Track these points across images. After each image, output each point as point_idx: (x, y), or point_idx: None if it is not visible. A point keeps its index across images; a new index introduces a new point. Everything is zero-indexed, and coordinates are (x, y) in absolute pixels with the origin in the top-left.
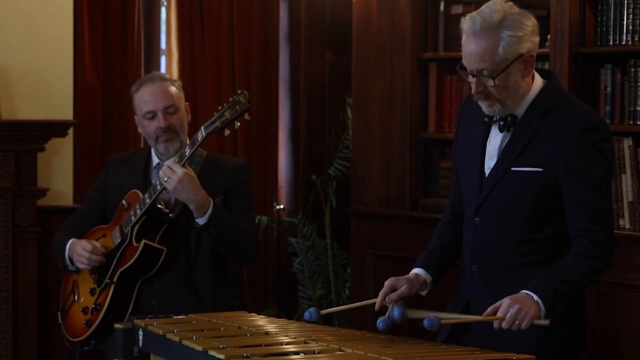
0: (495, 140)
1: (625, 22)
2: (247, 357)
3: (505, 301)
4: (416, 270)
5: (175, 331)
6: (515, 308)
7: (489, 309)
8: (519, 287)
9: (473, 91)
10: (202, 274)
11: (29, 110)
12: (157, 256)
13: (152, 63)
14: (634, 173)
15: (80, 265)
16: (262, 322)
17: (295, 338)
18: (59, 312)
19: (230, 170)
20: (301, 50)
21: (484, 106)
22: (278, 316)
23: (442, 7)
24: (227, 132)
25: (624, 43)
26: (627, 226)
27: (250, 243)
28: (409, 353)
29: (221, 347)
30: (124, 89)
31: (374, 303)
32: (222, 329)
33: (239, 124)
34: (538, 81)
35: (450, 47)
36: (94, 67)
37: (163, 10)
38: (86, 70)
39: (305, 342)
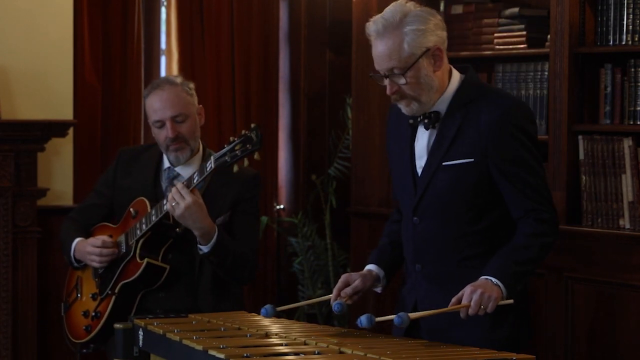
0: (422, 139)
1: (625, 22)
2: (247, 357)
3: (467, 289)
4: (368, 267)
5: (176, 331)
6: (478, 293)
7: (453, 300)
8: (465, 282)
9: (388, 92)
10: (205, 288)
11: (29, 110)
12: (160, 274)
13: (152, 63)
14: (634, 173)
15: (94, 264)
16: (262, 322)
17: (295, 338)
18: (62, 304)
19: (241, 182)
20: (301, 50)
21: (402, 107)
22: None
23: (442, 7)
24: (235, 167)
25: (624, 43)
26: (627, 226)
27: (249, 268)
28: (409, 353)
29: (221, 347)
30: (124, 89)
31: (329, 299)
32: (222, 329)
33: (247, 162)
34: (456, 76)
35: (451, 47)
36: (94, 67)
37: (163, 10)
38: (86, 70)
39: (305, 343)
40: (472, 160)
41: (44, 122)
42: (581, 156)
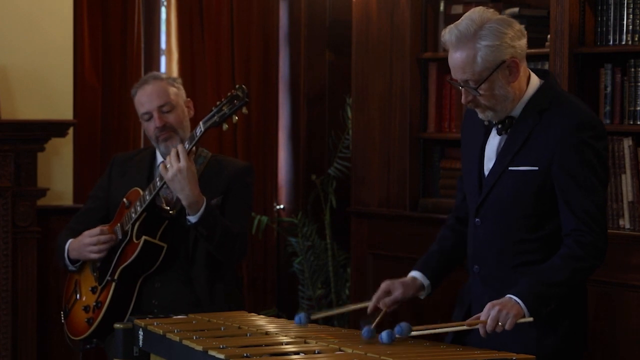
0: (493, 141)
1: (625, 22)
2: (247, 357)
3: (487, 305)
4: (413, 273)
5: (176, 331)
6: (496, 310)
7: (471, 318)
8: None
9: (463, 101)
10: (199, 273)
11: (29, 110)
12: (158, 253)
13: (152, 63)
14: (634, 173)
15: (92, 255)
16: (262, 322)
17: (295, 338)
18: (61, 312)
19: (233, 171)
20: (301, 50)
21: (478, 112)
22: (278, 316)
23: (442, 7)
24: (225, 126)
25: (624, 43)
26: (627, 226)
27: (239, 245)
28: (409, 353)
29: (221, 347)
30: (124, 89)
31: (367, 306)
32: (222, 329)
33: (237, 118)
34: (534, 81)
35: None
36: (94, 67)
37: (163, 10)
38: (86, 70)
39: (305, 342)
40: (537, 168)
41: (44, 122)
42: None
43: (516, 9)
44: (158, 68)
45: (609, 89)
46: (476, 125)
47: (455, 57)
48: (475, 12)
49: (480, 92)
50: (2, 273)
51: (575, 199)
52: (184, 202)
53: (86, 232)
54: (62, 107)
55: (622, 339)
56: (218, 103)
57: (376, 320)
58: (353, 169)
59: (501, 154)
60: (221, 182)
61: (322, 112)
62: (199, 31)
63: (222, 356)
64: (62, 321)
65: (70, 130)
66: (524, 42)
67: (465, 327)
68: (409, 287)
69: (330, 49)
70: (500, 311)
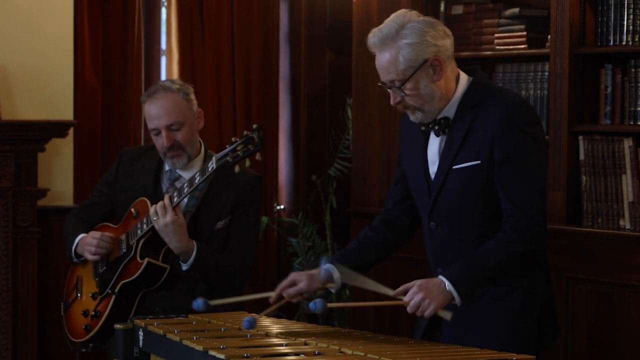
0: (433, 144)
1: (625, 23)
2: (247, 357)
3: (415, 285)
4: (326, 266)
5: (176, 331)
6: (420, 296)
7: (400, 288)
8: None
9: (392, 103)
10: (203, 289)
11: (29, 110)
12: (160, 274)
13: (152, 63)
14: (634, 173)
15: (88, 255)
16: (262, 322)
17: (295, 338)
18: (62, 303)
19: (242, 185)
20: (301, 50)
21: (409, 115)
22: (278, 316)
23: (442, 7)
24: (237, 168)
25: (624, 43)
26: (627, 226)
27: (239, 277)
28: (409, 353)
29: (221, 347)
30: (124, 89)
31: (269, 297)
32: (222, 329)
33: (249, 162)
34: (463, 80)
35: None
36: (94, 67)
37: (163, 10)
38: (86, 70)
39: (305, 343)
40: (479, 162)
41: (44, 122)
42: (581, 156)
43: (516, 9)
44: (158, 68)
45: (609, 89)
46: (414, 131)
47: (380, 59)
48: (398, 15)
49: (406, 92)
50: (2, 273)
51: (511, 186)
52: (175, 252)
53: (92, 233)
54: (62, 107)
55: (622, 338)
56: (233, 140)
57: (267, 310)
58: (353, 169)
59: (443, 155)
60: (230, 198)
61: (323, 112)
62: (199, 31)
63: (222, 356)
64: (61, 313)
65: (71, 131)
66: (448, 42)
67: (389, 302)
68: (314, 279)
69: (330, 49)
70: (424, 299)
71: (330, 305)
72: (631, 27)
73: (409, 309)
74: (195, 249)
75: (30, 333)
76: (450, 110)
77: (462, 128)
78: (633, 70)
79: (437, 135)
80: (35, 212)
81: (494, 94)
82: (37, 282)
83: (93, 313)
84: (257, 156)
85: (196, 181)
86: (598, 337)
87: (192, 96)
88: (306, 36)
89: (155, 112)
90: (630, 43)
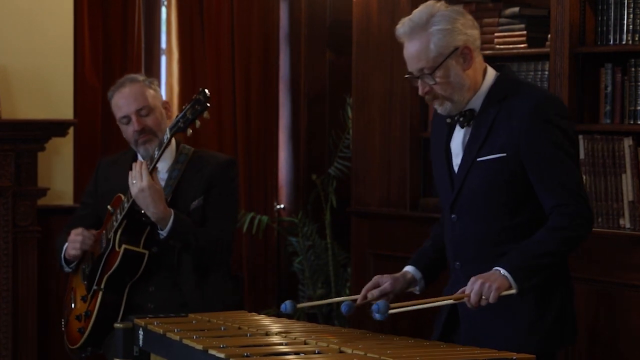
0: (458, 137)
1: (625, 22)
2: (247, 356)
3: (471, 280)
4: (406, 268)
5: (176, 330)
6: (479, 283)
7: (457, 293)
8: None
9: (420, 92)
10: (187, 276)
11: (29, 110)
12: (140, 260)
13: (152, 63)
14: (634, 173)
15: (70, 251)
16: (262, 321)
17: (295, 338)
18: (62, 320)
19: (213, 167)
20: (301, 50)
21: (437, 107)
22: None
23: None
24: (189, 131)
25: (624, 43)
26: (628, 226)
27: (222, 248)
28: (409, 353)
29: (221, 346)
30: None
31: (357, 298)
32: (222, 328)
33: (199, 122)
34: (491, 74)
35: None
36: (94, 67)
37: (163, 10)
38: (86, 70)
39: (305, 342)
40: (505, 155)
41: (44, 122)
42: (581, 156)
43: (516, 9)
44: (158, 68)
45: (609, 89)
46: (441, 127)
47: (409, 47)
48: (427, 5)
49: (436, 79)
50: (3, 273)
51: (549, 176)
52: (152, 219)
53: (73, 230)
54: (62, 107)
55: (623, 338)
56: (183, 107)
57: (358, 302)
58: (353, 169)
59: (467, 147)
60: (203, 180)
61: (323, 112)
62: (199, 31)
63: (222, 355)
64: (63, 329)
65: (71, 130)
66: (476, 32)
67: (451, 301)
68: (399, 280)
69: (330, 49)
70: (484, 284)
71: (392, 305)
72: (631, 26)
73: (471, 298)
74: (172, 214)
75: (30, 333)
76: (476, 103)
77: (488, 120)
78: (633, 69)
79: (462, 127)
80: (35, 212)
81: (522, 88)
82: (37, 281)
83: (84, 313)
84: (205, 114)
85: (156, 155)
86: (598, 336)
87: (157, 87)
88: (306, 36)
89: (123, 100)
90: (630, 42)
